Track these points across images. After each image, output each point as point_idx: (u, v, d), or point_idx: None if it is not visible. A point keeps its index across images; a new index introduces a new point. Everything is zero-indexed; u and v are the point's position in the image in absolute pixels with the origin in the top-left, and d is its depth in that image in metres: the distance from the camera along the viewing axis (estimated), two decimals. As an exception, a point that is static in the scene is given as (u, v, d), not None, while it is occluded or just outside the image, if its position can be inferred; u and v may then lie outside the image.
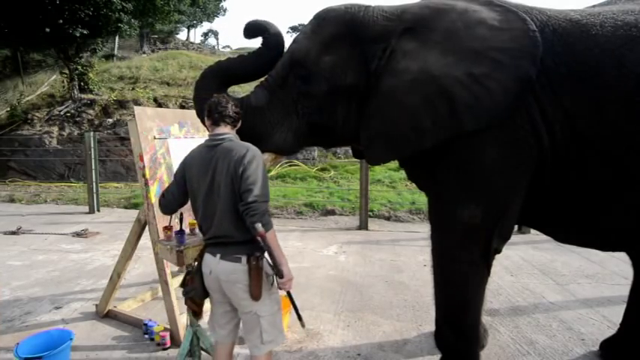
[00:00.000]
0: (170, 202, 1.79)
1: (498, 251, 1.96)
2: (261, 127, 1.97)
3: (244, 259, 1.62)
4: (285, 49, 2.04)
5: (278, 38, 2.01)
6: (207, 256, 1.70)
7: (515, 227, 5.25)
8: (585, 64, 1.65)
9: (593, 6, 1.98)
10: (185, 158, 1.77)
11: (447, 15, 1.79)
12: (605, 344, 2.37)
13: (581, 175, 1.72)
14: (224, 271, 1.64)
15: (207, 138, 1.75)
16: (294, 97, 1.96)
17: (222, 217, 1.63)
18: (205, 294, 1.80)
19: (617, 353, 2.29)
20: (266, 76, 2.02)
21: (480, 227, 1.81)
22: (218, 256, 1.65)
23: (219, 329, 1.84)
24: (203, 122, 1.89)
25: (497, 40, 1.70)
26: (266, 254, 1.66)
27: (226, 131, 1.72)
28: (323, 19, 1.97)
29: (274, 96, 1.97)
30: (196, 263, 1.79)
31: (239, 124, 1.79)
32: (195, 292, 1.78)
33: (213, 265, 1.66)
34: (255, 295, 1.61)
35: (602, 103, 1.63)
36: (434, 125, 1.73)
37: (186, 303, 1.87)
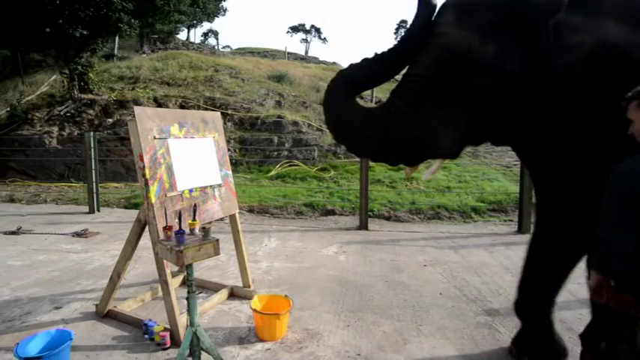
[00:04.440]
0: None
1: None
2: (424, 133, 1.82)
3: None
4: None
5: (414, 34, 1.85)
6: None
7: (515, 227, 5.28)
8: None
9: None
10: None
11: None
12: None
13: None
14: None
15: None
16: (455, 94, 1.78)
17: None
18: None
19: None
20: (408, 78, 1.85)
21: None
22: None
23: None
24: None
25: None
26: None
27: None
28: (469, 3, 1.83)
29: (430, 97, 1.80)
30: None
31: None
32: None
33: None
34: None
35: None
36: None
37: None
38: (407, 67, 1.90)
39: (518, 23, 1.75)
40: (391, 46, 1.88)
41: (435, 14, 1.87)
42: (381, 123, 1.85)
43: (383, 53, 1.89)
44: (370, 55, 1.93)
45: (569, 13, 1.70)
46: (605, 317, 1.43)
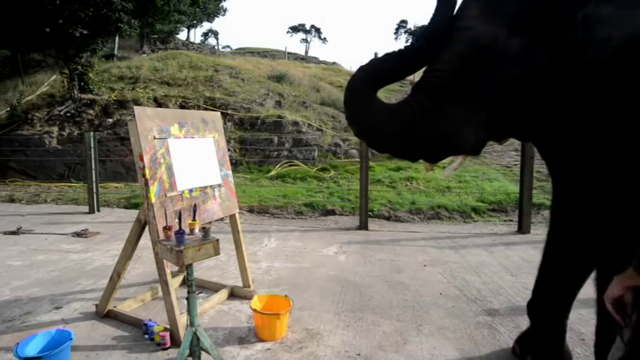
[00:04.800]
0: None
1: None
2: (447, 129, 1.78)
3: None
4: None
5: (436, 29, 1.79)
6: None
7: (515, 227, 5.28)
8: None
9: None
10: None
11: None
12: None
13: None
14: None
15: None
16: (478, 90, 1.74)
17: None
18: None
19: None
20: (430, 74, 1.80)
21: None
22: None
23: None
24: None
25: None
26: None
27: None
28: None
29: (453, 93, 1.75)
30: None
31: None
32: None
33: None
34: None
35: None
36: None
37: None
38: (428, 64, 1.86)
39: (544, 16, 1.69)
40: (413, 41, 1.86)
41: (456, 9, 1.83)
42: (402, 119, 1.82)
43: (404, 49, 1.85)
44: (392, 51, 1.88)
45: (599, 4, 1.63)
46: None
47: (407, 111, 1.82)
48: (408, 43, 1.90)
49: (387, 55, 1.86)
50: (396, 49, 1.86)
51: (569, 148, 1.87)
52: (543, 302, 2.24)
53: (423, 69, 1.90)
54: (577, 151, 1.84)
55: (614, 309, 1.21)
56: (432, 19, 1.80)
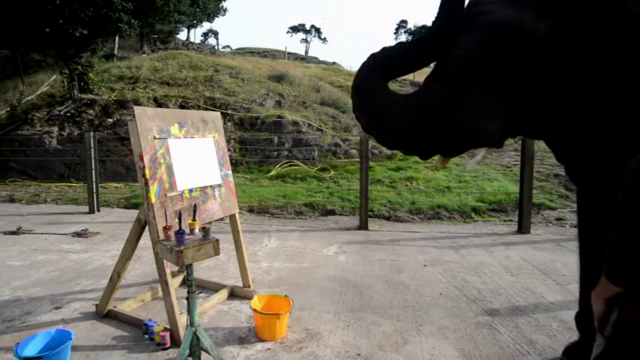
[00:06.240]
0: None
1: None
2: (468, 120, 1.63)
3: None
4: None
5: (449, 18, 1.64)
6: None
7: (515, 227, 5.28)
8: None
9: None
10: None
11: None
12: None
13: None
14: None
15: None
16: (500, 78, 1.60)
17: None
18: None
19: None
20: (448, 62, 1.66)
21: None
22: None
23: None
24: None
25: None
26: None
27: None
28: None
29: (473, 81, 1.61)
30: None
31: None
32: None
33: None
34: None
35: None
36: None
37: None
38: (441, 54, 1.72)
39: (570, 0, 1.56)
40: (426, 32, 1.73)
41: None
42: (418, 108, 1.66)
43: (418, 39, 1.75)
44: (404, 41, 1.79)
45: None
46: (619, 341, 1.22)
47: (423, 101, 1.67)
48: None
49: (400, 43, 1.75)
50: (409, 40, 1.81)
51: (596, 144, 1.69)
52: (590, 313, 2.17)
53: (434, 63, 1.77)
54: (605, 147, 1.66)
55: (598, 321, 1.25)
56: (441, 7, 1.66)
